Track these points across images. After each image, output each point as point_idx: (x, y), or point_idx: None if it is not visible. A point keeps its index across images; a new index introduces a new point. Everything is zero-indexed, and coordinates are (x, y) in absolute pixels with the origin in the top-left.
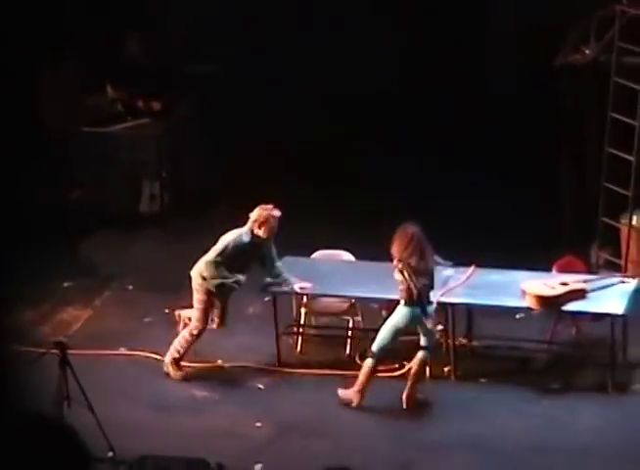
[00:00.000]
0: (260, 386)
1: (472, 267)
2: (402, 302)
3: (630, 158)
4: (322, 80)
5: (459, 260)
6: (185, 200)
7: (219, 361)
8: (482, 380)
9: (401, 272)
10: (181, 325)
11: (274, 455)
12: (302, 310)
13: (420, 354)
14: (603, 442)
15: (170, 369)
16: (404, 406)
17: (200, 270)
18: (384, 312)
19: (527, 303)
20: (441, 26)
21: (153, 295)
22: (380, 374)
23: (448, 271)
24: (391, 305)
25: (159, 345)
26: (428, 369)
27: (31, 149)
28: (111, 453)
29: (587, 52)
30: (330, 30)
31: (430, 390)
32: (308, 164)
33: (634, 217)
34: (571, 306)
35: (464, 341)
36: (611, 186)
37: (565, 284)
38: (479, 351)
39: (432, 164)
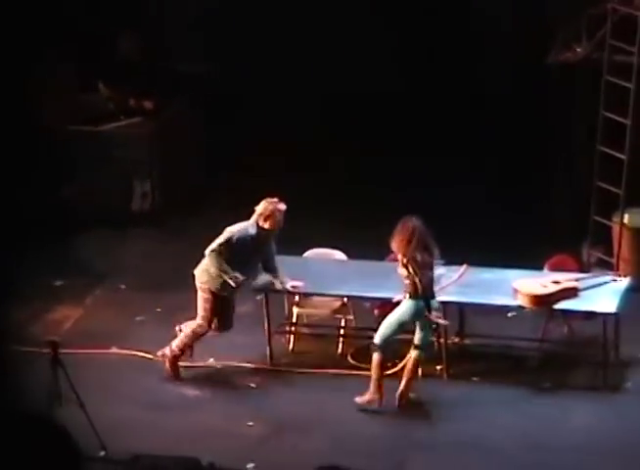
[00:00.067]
0: (252, 385)
1: (464, 266)
2: (407, 295)
3: (622, 156)
4: (313, 79)
5: (451, 259)
6: (177, 198)
7: (211, 360)
8: (474, 379)
9: (406, 267)
10: (167, 365)
11: (266, 454)
12: (294, 309)
13: (414, 353)
14: (595, 440)
15: (167, 365)
16: (397, 405)
17: (205, 266)
18: (375, 311)
19: (519, 301)
20: (440, 26)
21: (144, 294)
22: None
23: (440, 270)
24: (383, 304)
25: (150, 344)
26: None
27: (23, 147)
28: (103, 452)
29: (579, 50)
30: (327, 29)
31: (422, 389)
32: (300, 163)
33: (626, 216)
34: (563, 305)
35: (456, 339)
36: (602, 185)
37: (557, 282)
38: (471, 349)
39: (423, 164)
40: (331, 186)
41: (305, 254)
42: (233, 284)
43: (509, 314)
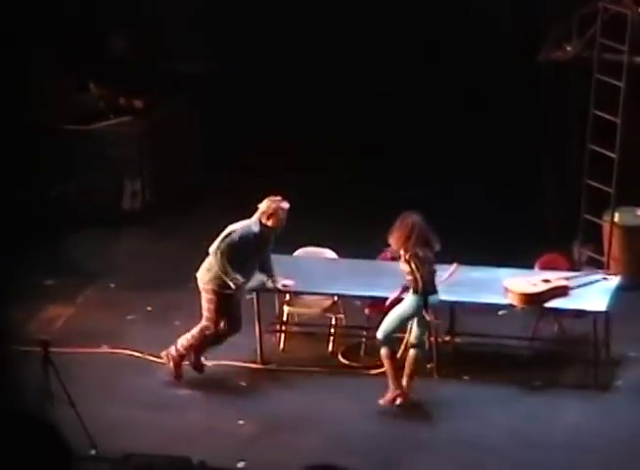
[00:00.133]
0: (243, 383)
1: (454, 265)
2: (411, 290)
3: (612, 155)
4: (312, 79)
5: (441, 258)
6: (168, 197)
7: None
8: (465, 377)
9: (408, 263)
10: (171, 364)
11: (257, 453)
12: (285, 308)
13: (412, 352)
14: (586, 438)
15: (171, 364)
16: (397, 405)
17: (208, 264)
18: (366, 310)
19: (510, 300)
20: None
21: (135, 292)
22: (366, 372)
23: None
24: (374, 303)
25: (141, 343)
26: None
27: (14, 147)
28: (93, 451)
29: (569, 49)
30: (327, 29)
31: (412, 388)
32: (300, 163)
33: (616, 214)
34: (554, 303)
35: (447, 338)
36: (593, 183)
37: (547, 281)
38: (461, 348)
39: (415, 163)
40: (331, 186)
41: (296, 252)
42: (233, 286)
43: (499, 313)
